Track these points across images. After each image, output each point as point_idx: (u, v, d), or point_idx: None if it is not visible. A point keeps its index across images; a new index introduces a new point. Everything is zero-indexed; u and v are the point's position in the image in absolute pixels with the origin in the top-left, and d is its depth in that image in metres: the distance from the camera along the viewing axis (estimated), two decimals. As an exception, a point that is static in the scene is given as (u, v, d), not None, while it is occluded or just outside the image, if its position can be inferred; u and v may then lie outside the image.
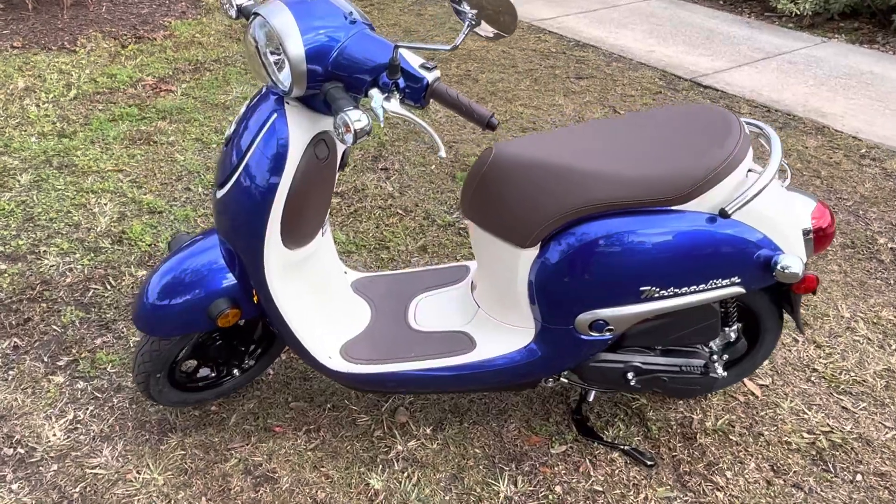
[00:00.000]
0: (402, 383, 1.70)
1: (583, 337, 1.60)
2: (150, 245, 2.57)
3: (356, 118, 1.24)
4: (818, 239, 1.63)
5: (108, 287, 2.36)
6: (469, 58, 4.47)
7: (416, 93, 1.32)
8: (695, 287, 1.55)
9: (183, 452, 1.80)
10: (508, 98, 3.91)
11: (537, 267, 1.55)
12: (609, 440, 1.87)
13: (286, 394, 1.99)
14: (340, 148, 1.55)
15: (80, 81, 3.86)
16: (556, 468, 1.80)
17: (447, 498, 1.71)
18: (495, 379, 1.69)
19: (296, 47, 1.30)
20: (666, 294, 1.54)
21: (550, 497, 1.72)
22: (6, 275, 2.38)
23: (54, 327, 2.18)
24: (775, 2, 5.29)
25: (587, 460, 1.82)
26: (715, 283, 1.55)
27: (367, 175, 3.10)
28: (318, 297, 1.69)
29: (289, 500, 1.69)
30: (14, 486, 1.69)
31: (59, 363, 2.05)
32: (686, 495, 1.74)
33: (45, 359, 2.06)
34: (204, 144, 3.29)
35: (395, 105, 1.30)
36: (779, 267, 1.54)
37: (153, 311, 1.60)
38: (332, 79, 1.35)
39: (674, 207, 1.50)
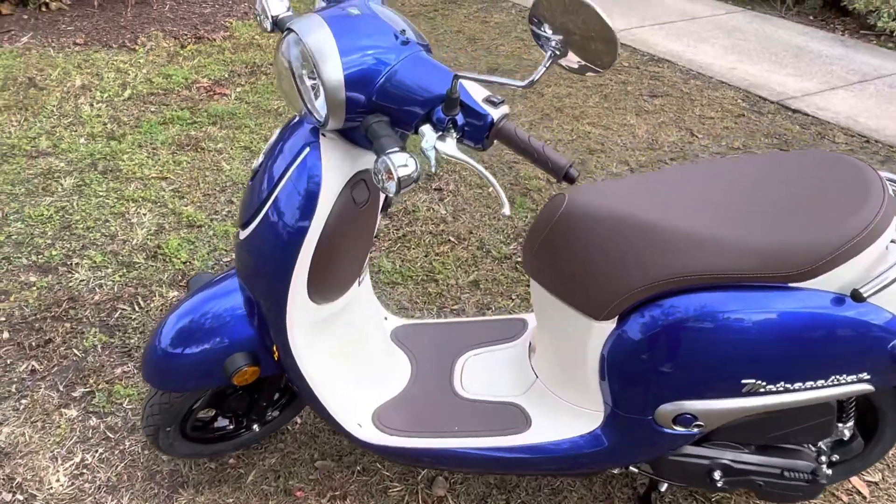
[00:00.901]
0: (441, 460, 1.44)
1: (664, 430, 1.30)
2: (184, 262, 2.39)
3: (401, 162, 0.98)
4: None
5: (136, 308, 2.18)
6: (536, 69, 4.18)
7: (478, 132, 1.06)
8: (811, 383, 1.23)
9: (192, 514, 1.58)
10: (575, 115, 3.61)
11: (612, 342, 1.27)
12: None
13: (312, 448, 1.75)
14: (382, 195, 1.30)
15: (136, 81, 3.74)
16: (617, 570, 1.51)
17: None
18: (550, 466, 1.41)
19: (334, 71, 1.05)
20: (774, 389, 1.23)
21: None
22: (34, 288, 2.23)
23: (75, 351, 2.01)
24: (874, 19, 4.81)
25: (655, 563, 1.52)
26: (837, 380, 1.24)
27: (420, 195, 2.86)
28: (350, 356, 1.45)
29: (304, 586, 1.46)
30: (6, 541, 1.51)
31: (75, 394, 1.87)
32: None
33: (61, 388, 1.89)
34: (252, 153, 3.10)
35: (450, 146, 1.05)
36: (922, 363, 1.21)
37: (164, 362, 1.38)
38: (376, 110, 1.10)
39: (792, 284, 1.19)
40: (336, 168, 1.17)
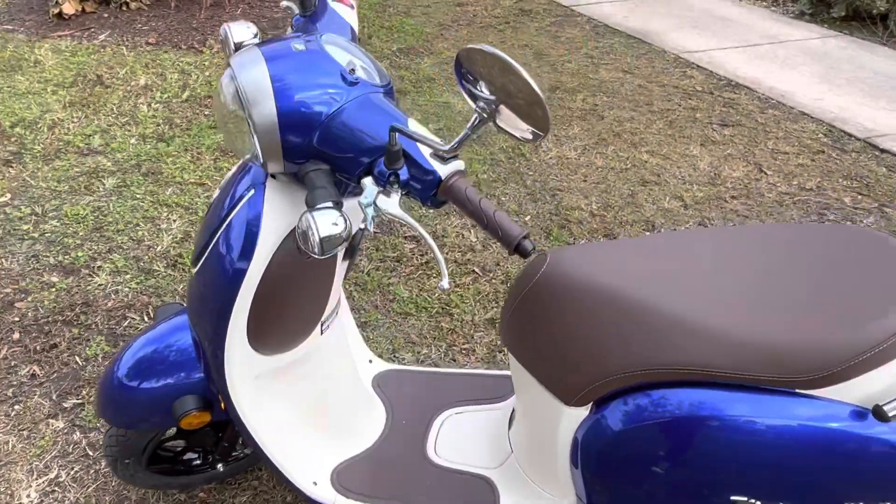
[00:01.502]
0: None
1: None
2: (201, 274, 2.35)
3: (326, 221, 0.86)
4: None
5: (146, 318, 2.16)
6: (600, 90, 3.97)
7: (425, 190, 0.92)
8: (819, 508, 1.02)
9: (150, 549, 1.52)
10: (634, 142, 3.38)
11: (587, 428, 1.10)
12: None
13: (286, 490, 1.66)
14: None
15: (197, 83, 3.80)
16: None
17: None
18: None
19: (267, 114, 0.94)
20: (774, 510, 1.03)
21: None
22: (54, 289, 2.25)
23: (77, 359, 2.00)
24: None
25: None
26: (852, 507, 1.02)
27: (452, 220, 2.73)
28: (311, 409, 1.33)
29: None
30: (-35, 556, 1.49)
31: (66, 404, 1.86)
32: None
33: (55, 396, 1.88)
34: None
35: (391, 204, 0.92)
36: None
37: (118, 394, 1.31)
38: (317, 157, 0.98)
39: (801, 391, 0.99)
40: (279, 213, 1.06)
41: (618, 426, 1.06)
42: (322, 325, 1.27)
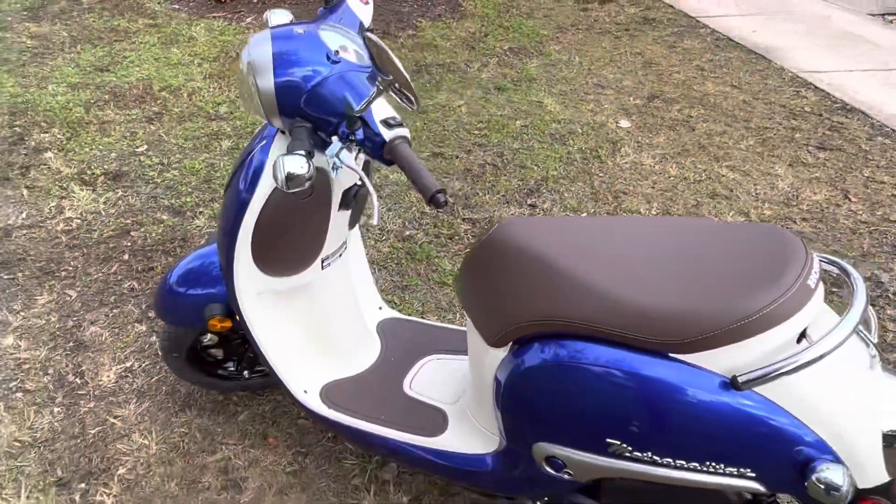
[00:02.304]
0: (365, 443, 1.58)
1: (540, 469, 1.32)
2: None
3: (292, 164, 1.15)
4: None
5: (226, 257, 2.58)
6: (700, 102, 3.99)
7: (374, 149, 1.19)
8: (683, 463, 1.17)
9: (185, 431, 1.90)
10: (717, 156, 3.40)
11: (502, 369, 1.31)
12: None
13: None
14: (336, 192, 1.45)
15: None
16: None
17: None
18: (450, 474, 1.48)
19: (266, 81, 1.25)
20: (641, 457, 1.19)
21: None
22: (162, 225, 2.74)
23: (167, 281, 2.46)
24: None
25: None
26: (714, 468, 1.16)
27: (511, 208, 2.95)
28: (312, 330, 1.64)
29: (237, 515, 1.69)
30: (55, 409, 1.95)
31: (150, 314, 2.30)
32: None
33: (143, 307, 2.33)
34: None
35: (348, 157, 1.19)
36: (814, 478, 1.09)
37: (165, 297, 1.70)
38: (303, 116, 1.27)
39: (672, 355, 1.14)
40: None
41: (522, 367, 1.27)
42: (323, 262, 1.57)
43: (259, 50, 1.27)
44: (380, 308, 1.88)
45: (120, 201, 2.88)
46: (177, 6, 5.11)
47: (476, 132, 3.60)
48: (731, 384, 1.10)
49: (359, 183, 1.48)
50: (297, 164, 1.15)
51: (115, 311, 2.32)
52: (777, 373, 1.06)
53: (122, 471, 1.77)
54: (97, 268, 2.50)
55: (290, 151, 1.18)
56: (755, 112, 3.87)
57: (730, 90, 4.15)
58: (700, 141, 3.55)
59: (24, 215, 2.75)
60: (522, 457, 1.34)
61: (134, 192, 2.95)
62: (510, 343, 1.29)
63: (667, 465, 1.18)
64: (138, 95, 3.78)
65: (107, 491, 1.72)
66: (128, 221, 2.76)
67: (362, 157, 1.45)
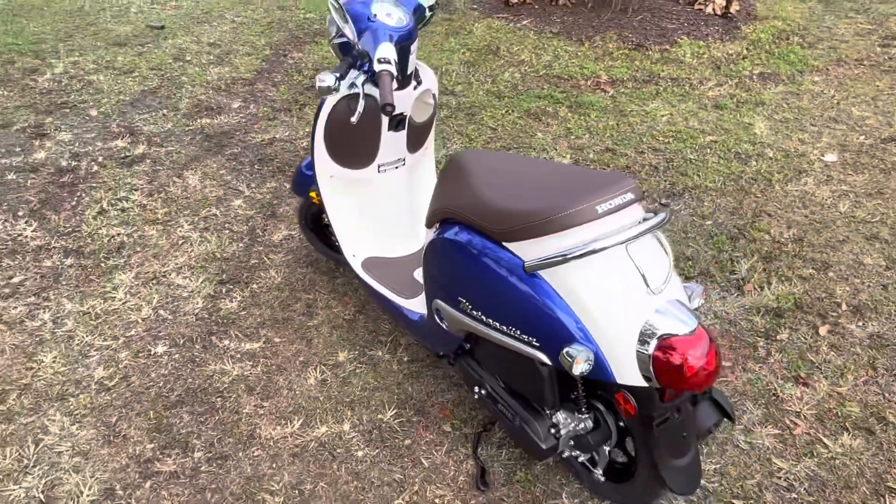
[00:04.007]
0: (378, 300, 2.25)
1: (436, 323, 1.85)
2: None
3: (324, 78, 1.88)
4: (663, 372, 1.43)
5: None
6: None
7: (371, 75, 1.85)
8: (497, 324, 1.62)
9: (299, 278, 2.77)
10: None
11: (426, 244, 1.87)
12: (479, 453, 2.00)
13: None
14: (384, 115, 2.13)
15: (558, 63, 4.90)
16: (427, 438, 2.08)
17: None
18: (411, 329, 2.09)
19: (340, 25, 1.99)
20: (476, 316, 1.66)
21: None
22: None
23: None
24: None
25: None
26: (515, 332, 1.59)
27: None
28: (364, 216, 2.34)
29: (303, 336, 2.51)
30: (239, 245, 2.98)
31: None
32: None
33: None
34: (558, 138, 3.95)
35: (360, 80, 1.87)
36: (564, 351, 1.47)
37: (295, 178, 2.56)
38: (351, 55, 1.98)
39: (504, 243, 1.60)
40: (345, 80, 2.07)
41: (431, 240, 1.82)
42: (378, 167, 2.27)
43: (334, 14, 2.02)
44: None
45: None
46: (475, 6, 6.17)
47: (661, 139, 3.89)
48: (524, 269, 1.53)
49: (405, 112, 2.16)
50: (327, 79, 1.88)
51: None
52: (547, 262, 1.47)
53: (253, 286, 2.72)
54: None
55: (330, 71, 1.91)
56: None
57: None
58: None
59: (286, 133, 3.95)
60: (430, 313, 1.89)
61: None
62: (435, 225, 1.85)
63: (490, 326, 1.64)
64: (406, 69, 4.86)
65: (240, 294, 2.67)
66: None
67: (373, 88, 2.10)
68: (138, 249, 2.90)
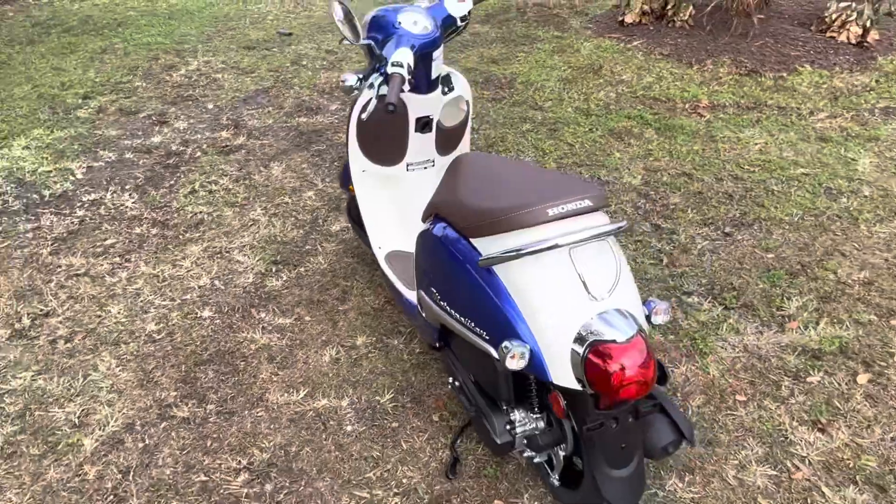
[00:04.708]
0: (392, 291, 2.40)
1: (419, 310, 1.97)
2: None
3: (347, 77, 2.07)
4: (595, 376, 1.47)
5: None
6: None
7: (385, 77, 2.00)
8: (458, 315, 1.71)
9: (343, 266, 2.98)
10: None
11: (416, 236, 2.00)
12: (457, 445, 2.09)
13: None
14: (411, 117, 2.27)
15: (659, 84, 4.83)
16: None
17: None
18: (409, 319, 2.22)
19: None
20: (443, 306, 1.77)
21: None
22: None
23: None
24: None
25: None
26: (470, 325, 1.67)
27: (703, 229, 3.18)
28: (391, 211, 2.50)
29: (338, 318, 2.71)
30: (300, 231, 3.25)
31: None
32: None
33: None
34: (635, 159, 3.90)
35: (378, 81, 2.04)
36: (502, 345, 1.54)
37: (342, 167, 2.78)
38: (377, 59, 2.15)
39: (470, 238, 1.69)
40: (364, 85, 2.24)
41: (421, 233, 1.94)
42: (407, 166, 2.42)
43: (368, 16, 2.21)
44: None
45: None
46: (590, 25, 6.20)
47: (746, 167, 3.74)
48: (479, 263, 1.62)
49: (432, 116, 2.30)
50: (348, 78, 2.06)
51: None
52: (496, 258, 1.56)
53: (300, 269, 2.96)
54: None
55: (354, 72, 2.10)
56: None
57: None
58: None
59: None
60: (419, 301, 2.01)
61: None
62: (428, 219, 1.97)
63: (453, 317, 1.74)
64: (504, 83, 5.00)
65: (287, 275, 2.93)
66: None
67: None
68: (213, 227, 3.25)
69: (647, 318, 1.62)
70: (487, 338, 1.63)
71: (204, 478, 2.05)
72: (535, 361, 1.55)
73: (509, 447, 1.78)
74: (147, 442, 2.16)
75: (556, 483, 1.83)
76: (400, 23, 2.16)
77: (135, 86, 4.82)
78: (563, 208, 1.56)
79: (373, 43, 2.16)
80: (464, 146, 2.54)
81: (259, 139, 4.07)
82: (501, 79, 5.04)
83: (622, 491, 1.63)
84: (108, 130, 4.17)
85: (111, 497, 1.99)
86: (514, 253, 1.53)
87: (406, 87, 2.03)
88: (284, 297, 2.79)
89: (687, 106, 4.52)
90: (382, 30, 2.17)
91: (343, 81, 2.08)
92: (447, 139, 2.43)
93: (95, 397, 2.32)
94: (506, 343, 1.53)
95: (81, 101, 4.56)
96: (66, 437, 2.18)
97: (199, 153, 3.92)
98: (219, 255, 3.05)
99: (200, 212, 3.36)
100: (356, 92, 2.11)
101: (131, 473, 2.06)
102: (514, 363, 1.53)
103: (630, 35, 5.85)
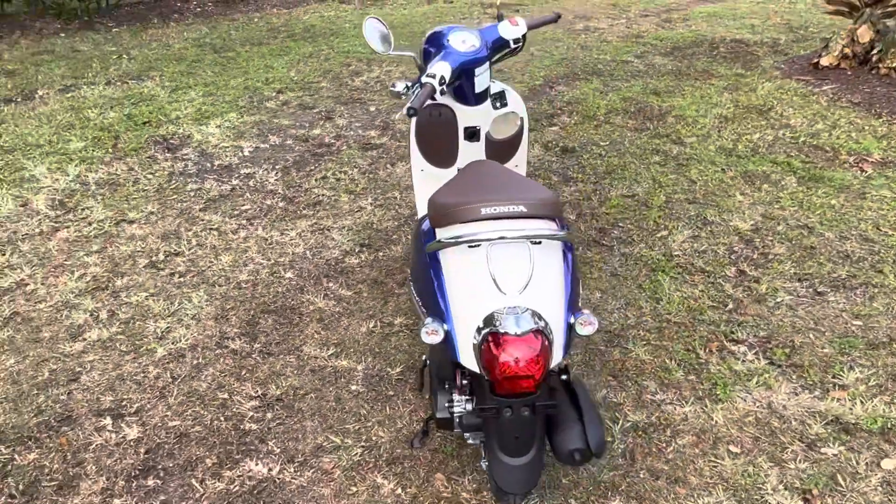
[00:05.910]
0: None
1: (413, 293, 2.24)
2: (603, 211, 3.68)
3: (397, 85, 2.40)
4: (487, 362, 1.65)
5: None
6: None
7: (420, 85, 2.30)
8: (416, 296, 1.97)
9: (377, 261, 3.31)
10: None
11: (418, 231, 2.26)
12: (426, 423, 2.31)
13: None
14: (460, 125, 2.52)
15: (828, 133, 4.50)
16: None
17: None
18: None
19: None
20: (412, 287, 2.02)
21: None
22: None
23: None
24: None
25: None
26: (420, 304, 1.92)
27: (787, 283, 3.02)
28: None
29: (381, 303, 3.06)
30: (369, 209, 3.65)
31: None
32: None
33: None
34: (756, 204, 3.73)
35: (416, 89, 2.35)
36: (426, 320, 1.77)
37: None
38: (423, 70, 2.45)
39: (435, 229, 1.94)
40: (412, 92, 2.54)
41: (416, 225, 2.21)
42: (458, 171, 2.69)
43: (429, 31, 2.51)
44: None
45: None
46: (782, 66, 5.88)
47: (885, 229, 3.42)
48: (427, 247, 1.86)
49: (478, 126, 2.55)
50: (398, 85, 2.40)
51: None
52: (434, 246, 1.80)
53: (379, 253, 3.35)
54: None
55: (404, 80, 2.43)
56: None
57: None
58: None
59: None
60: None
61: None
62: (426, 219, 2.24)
63: (414, 298, 2.00)
64: (654, 115, 4.98)
65: (365, 256, 3.33)
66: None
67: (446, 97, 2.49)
68: (327, 208, 3.77)
69: (571, 326, 1.73)
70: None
71: (225, 396, 2.50)
72: (451, 343, 1.75)
73: (448, 424, 1.97)
74: (199, 361, 2.68)
75: (484, 466, 1.98)
76: (449, 41, 2.44)
77: (321, 86, 5.62)
78: (495, 209, 1.75)
79: (413, 55, 2.49)
80: (518, 160, 2.74)
81: (399, 140, 4.56)
82: (654, 110, 5.03)
83: (511, 479, 1.75)
84: (283, 120, 4.95)
85: (157, 392, 2.53)
86: (448, 241, 1.75)
87: (438, 96, 2.31)
88: (355, 273, 3.20)
89: (851, 158, 4.17)
90: (436, 44, 2.47)
91: (393, 87, 2.42)
92: (498, 151, 2.65)
93: (181, 320, 2.91)
94: (427, 319, 1.76)
95: (275, 94, 5.44)
96: (147, 343, 2.77)
97: (344, 147, 4.51)
98: (320, 231, 3.55)
99: (322, 195, 3.91)
100: (403, 97, 2.43)
101: (178, 381, 2.59)
102: (429, 338, 1.74)
103: (822, 79, 5.47)
